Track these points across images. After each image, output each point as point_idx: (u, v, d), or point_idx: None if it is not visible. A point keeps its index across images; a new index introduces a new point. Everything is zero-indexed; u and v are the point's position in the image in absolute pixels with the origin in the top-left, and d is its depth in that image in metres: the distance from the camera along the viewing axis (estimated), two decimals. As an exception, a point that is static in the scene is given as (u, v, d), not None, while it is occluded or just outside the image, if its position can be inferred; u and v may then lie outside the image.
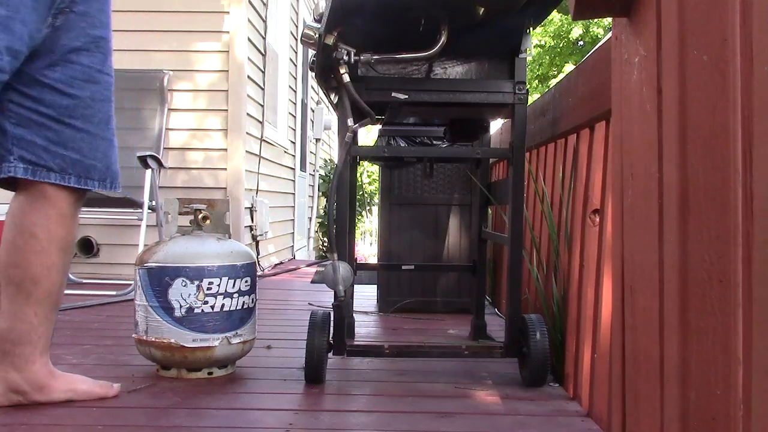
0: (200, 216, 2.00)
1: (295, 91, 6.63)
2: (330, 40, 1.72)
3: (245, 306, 1.92)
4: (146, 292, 1.86)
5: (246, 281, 1.92)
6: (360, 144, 2.43)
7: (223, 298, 1.87)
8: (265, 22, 5.09)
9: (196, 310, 1.85)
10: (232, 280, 1.89)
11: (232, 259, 1.90)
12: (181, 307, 1.84)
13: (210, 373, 1.91)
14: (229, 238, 2.02)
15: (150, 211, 3.61)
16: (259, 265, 4.72)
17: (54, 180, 1.54)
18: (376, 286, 3.40)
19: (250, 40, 4.57)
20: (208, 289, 1.85)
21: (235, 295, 1.89)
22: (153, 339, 1.86)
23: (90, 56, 1.57)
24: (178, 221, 2.01)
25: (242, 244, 2.04)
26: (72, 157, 1.55)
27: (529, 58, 1.92)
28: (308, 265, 5.73)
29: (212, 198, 2.23)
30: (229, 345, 1.89)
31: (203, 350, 1.86)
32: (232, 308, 1.89)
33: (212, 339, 1.86)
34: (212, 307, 1.86)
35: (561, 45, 18.02)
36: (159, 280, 1.85)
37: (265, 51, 5.08)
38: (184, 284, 1.84)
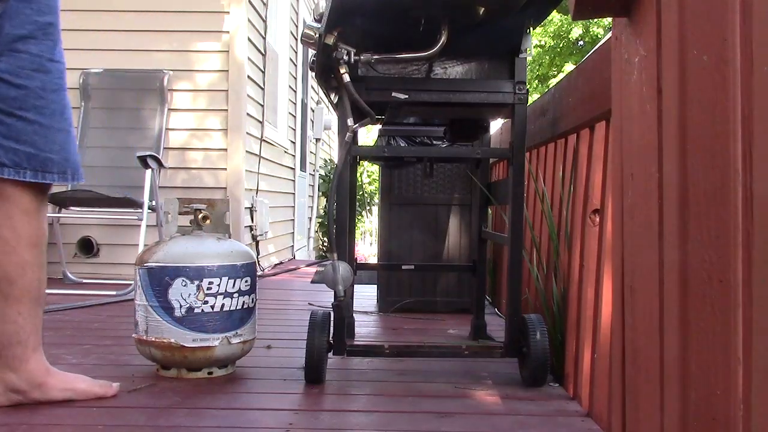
0: (200, 216, 2.00)
1: (295, 91, 6.63)
2: (330, 40, 1.72)
3: (245, 306, 1.92)
4: (146, 292, 1.86)
5: (246, 281, 1.92)
6: (360, 144, 2.43)
7: (223, 298, 1.87)
8: (265, 22, 5.09)
9: (196, 310, 1.85)
10: (232, 280, 1.89)
11: (232, 259, 1.90)
12: (181, 306, 1.84)
13: (210, 373, 1.91)
14: (229, 238, 2.02)
15: (150, 211, 3.61)
16: (259, 265, 4.72)
17: (8, 175, 1.49)
18: (376, 286, 3.40)
19: (250, 40, 4.57)
20: (208, 288, 1.85)
21: (235, 295, 1.89)
22: (153, 339, 1.86)
23: (38, 44, 1.50)
24: (178, 221, 2.01)
25: (242, 244, 2.04)
26: (26, 150, 1.49)
27: (529, 58, 1.92)
28: (308, 265, 5.73)
29: (212, 198, 2.23)
30: (229, 345, 1.89)
31: (203, 350, 1.86)
32: (232, 308, 1.89)
33: (212, 339, 1.86)
34: (212, 306, 1.86)
35: (561, 45, 18.02)
36: (159, 279, 1.85)
37: (265, 51, 5.08)
38: (184, 284, 1.84)
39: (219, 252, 1.90)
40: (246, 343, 1.94)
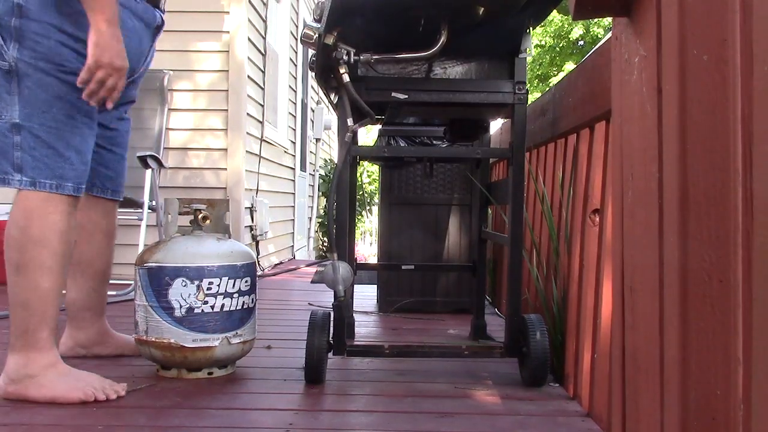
0: (200, 216, 2.00)
1: (295, 91, 6.63)
2: (330, 40, 1.72)
3: (245, 306, 1.92)
4: (146, 292, 1.86)
5: (246, 281, 1.92)
6: (360, 144, 2.43)
7: (223, 298, 1.87)
8: (265, 22, 5.09)
9: (196, 310, 1.85)
10: (232, 280, 1.89)
11: (232, 259, 1.90)
12: (181, 307, 1.84)
13: (210, 373, 1.91)
14: (229, 238, 2.02)
15: (150, 211, 3.61)
16: (259, 265, 4.72)
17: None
18: (376, 286, 3.40)
19: (250, 40, 4.57)
20: (208, 289, 1.85)
21: (235, 295, 1.89)
22: (153, 339, 1.86)
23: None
24: (178, 221, 2.01)
25: (242, 244, 2.04)
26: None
27: (529, 58, 1.92)
28: (308, 265, 5.73)
29: (212, 198, 2.23)
30: (229, 345, 1.89)
31: (203, 350, 1.86)
32: (232, 308, 1.89)
33: (212, 339, 1.86)
34: (212, 307, 1.86)
35: (561, 45, 18.03)
36: (159, 280, 1.85)
37: (265, 51, 5.08)
38: (184, 284, 1.84)
39: (219, 252, 1.90)
40: (246, 343, 1.94)
